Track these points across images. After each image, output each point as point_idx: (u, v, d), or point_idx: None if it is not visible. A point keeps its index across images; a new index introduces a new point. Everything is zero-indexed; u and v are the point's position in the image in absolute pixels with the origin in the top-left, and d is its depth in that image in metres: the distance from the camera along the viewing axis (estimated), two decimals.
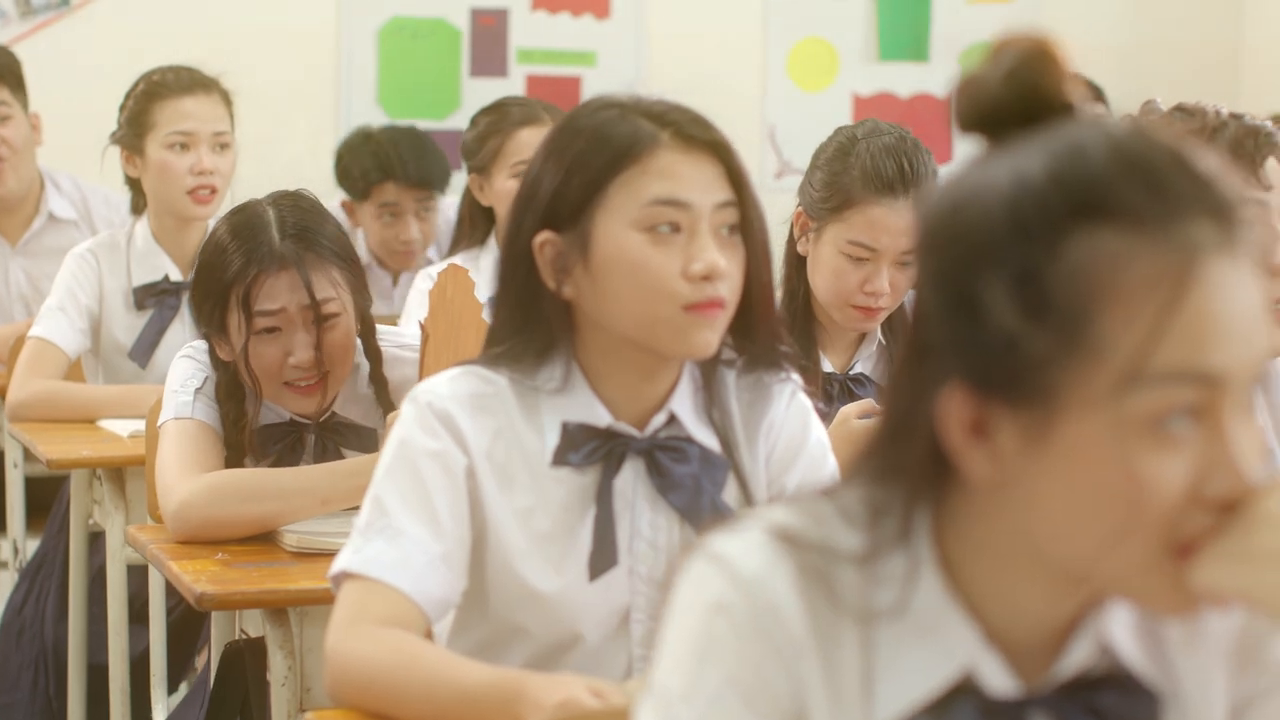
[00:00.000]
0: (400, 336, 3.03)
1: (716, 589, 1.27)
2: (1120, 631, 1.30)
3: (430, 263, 4.90)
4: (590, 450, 2.05)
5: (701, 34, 6.35)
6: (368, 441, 2.90)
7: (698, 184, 2.01)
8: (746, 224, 2.04)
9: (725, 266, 2.00)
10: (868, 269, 2.88)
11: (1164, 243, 1.18)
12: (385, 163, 4.91)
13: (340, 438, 2.92)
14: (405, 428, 2.04)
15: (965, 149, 1.27)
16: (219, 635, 2.84)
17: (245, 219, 2.88)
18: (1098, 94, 5.20)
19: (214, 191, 4.02)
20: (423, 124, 5.73)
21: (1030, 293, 1.18)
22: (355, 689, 1.94)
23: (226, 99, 4.11)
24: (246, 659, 2.67)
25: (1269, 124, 2.32)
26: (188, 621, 3.56)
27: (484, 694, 1.88)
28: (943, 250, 1.23)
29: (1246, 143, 2.28)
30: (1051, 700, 1.28)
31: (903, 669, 1.27)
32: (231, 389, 2.85)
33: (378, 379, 2.95)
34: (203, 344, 2.90)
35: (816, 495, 1.32)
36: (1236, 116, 2.29)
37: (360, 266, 2.94)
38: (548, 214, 2.03)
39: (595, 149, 2.01)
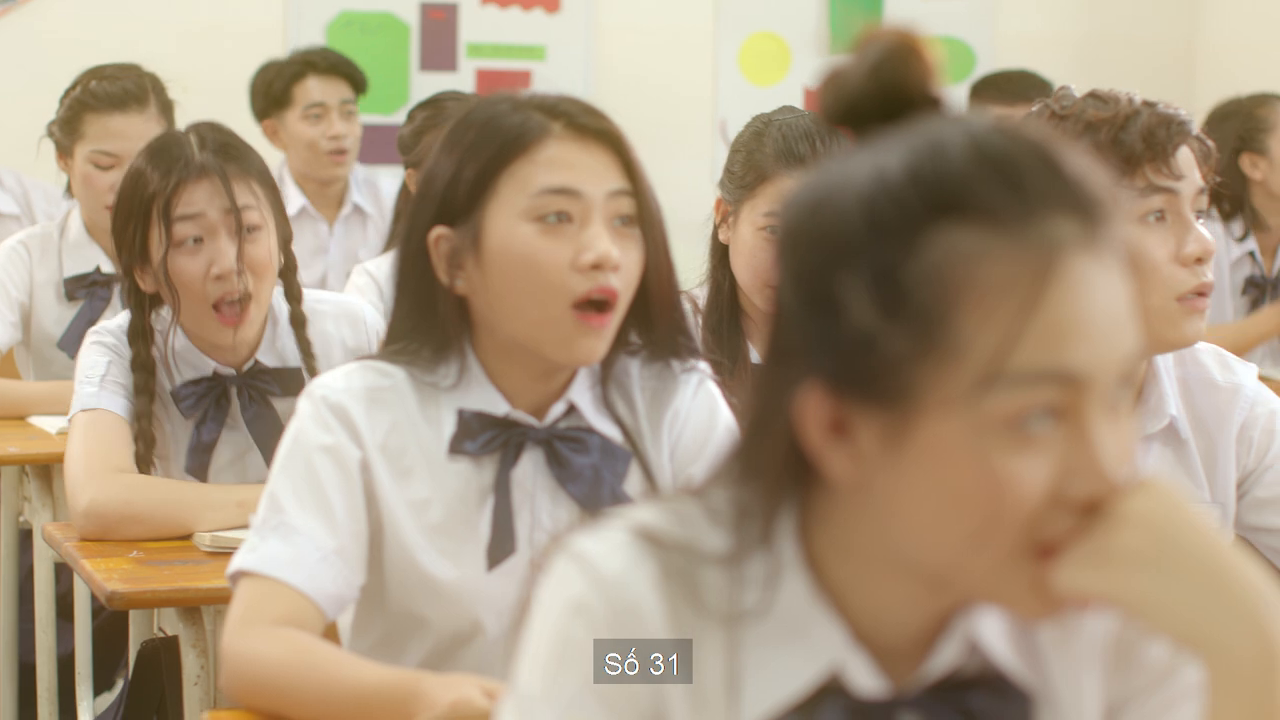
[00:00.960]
0: (318, 293, 3.04)
1: (577, 589, 1.25)
2: (991, 632, 1.28)
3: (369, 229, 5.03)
4: (488, 439, 2.05)
5: (652, 28, 6.34)
6: (294, 384, 2.90)
7: (589, 173, 2.00)
8: (642, 215, 2.03)
9: (618, 257, 1.99)
10: None
11: (1022, 240, 1.16)
12: (302, 60, 5.14)
13: (267, 386, 2.93)
14: (299, 423, 2.04)
15: None
16: (137, 634, 2.83)
17: (161, 143, 2.90)
18: (1045, 89, 5.19)
19: None
20: (371, 118, 5.72)
21: (887, 291, 1.16)
22: (251, 689, 1.93)
23: (165, 109, 4.09)
24: (163, 658, 2.65)
25: (1182, 112, 2.29)
26: (121, 619, 3.53)
27: (379, 693, 1.87)
28: (801, 247, 1.21)
29: (1159, 132, 2.25)
30: (921, 701, 1.26)
31: (769, 670, 1.25)
32: (143, 331, 2.86)
33: (298, 318, 2.95)
34: (110, 323, 2.90)
35: (683, 494, 1.30)
36: (1150, 104, 2.26)
37: (279, 193, 2.95)
38: (442, 208, 2.02)
39: (485, 141, 2.00)
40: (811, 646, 1.25)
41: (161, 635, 2.73)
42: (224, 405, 2.91)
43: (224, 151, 2.85)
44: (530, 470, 2.07)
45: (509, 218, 1.99)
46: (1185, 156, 2.28)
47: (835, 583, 1.25)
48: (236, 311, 2.84)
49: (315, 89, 5.09)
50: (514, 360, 2.05)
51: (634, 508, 1.30)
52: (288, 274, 2.94)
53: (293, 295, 2.96)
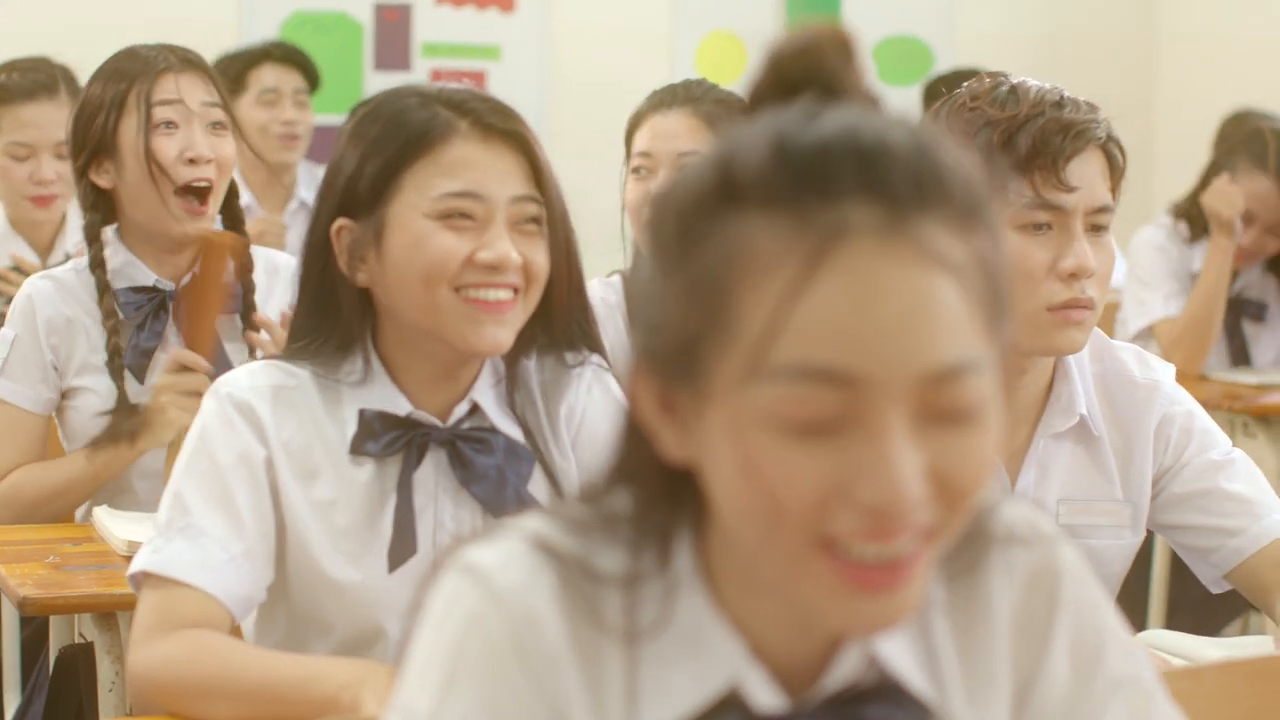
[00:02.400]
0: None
1: (472, 602, 1.20)
2: (890, 643, 1.24)
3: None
4: (390, 440, 2.03)
5: (608, 27, 6.32)
6: (227, 303, 3.01)
7: (493, 175, 1.99)
8: (549, 218, 2.02)
9: (517, 259, 1.99)
10: (649, 181, 3.22)
11: (805, 221, 1.08)
12: (259, 50, 5.23)
13: None
14: (205, 420, 2.02)
15: None
16: (56, 639, 2.79)
17: (129, 51, 3.03)
18: None
19: (56, 196, 4.10)
20: (325, 118, 5.70)
21: (682, 271, 1.13)
22: (163, 693, 1.91)
23: (76, 96, 4.09)
24: (80, 664, 2.62)
25: (1098, 117, 2.21)
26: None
27: (293, 684, 1.85)
28: (648, 237, 1.19)
29: (1054, 140, 2.16)
30: (818, 714, 1.21)
31: (667, 686, 1.20)
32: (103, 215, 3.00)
33: (240, 233, 3.07)
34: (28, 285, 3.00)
35: (577, 501, 1.26)
36: (1060, 106, 2.18)
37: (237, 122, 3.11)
38: (345, 200, 2.01)
39: (390, 135, 1.99)
40: (710, 662, 1.20)
41: (82, 641, 2.70)
42: (162, 318, 3.01)
43: (199, 59, 3.05)
44: (433, 471, 2.05)
45: (412, 215, 1.98)
46: (1084, 168, 2.20)
47: (732, 597, 1.21)
48: (196, 203, 2.97)
49: (269, 75, 5.16)
50: (418, 355, 2.03)
51: (527, 517, 1.25)
52: (231, 199, 3.06)
53: (235, 219, 3.08)
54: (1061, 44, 6.87)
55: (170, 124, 2.96)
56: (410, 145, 1.98)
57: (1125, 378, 2.35)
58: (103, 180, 2.97)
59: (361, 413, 2.02)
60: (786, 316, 1.08)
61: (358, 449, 2.03)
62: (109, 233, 3.03)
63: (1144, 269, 4.79)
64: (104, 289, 2.97)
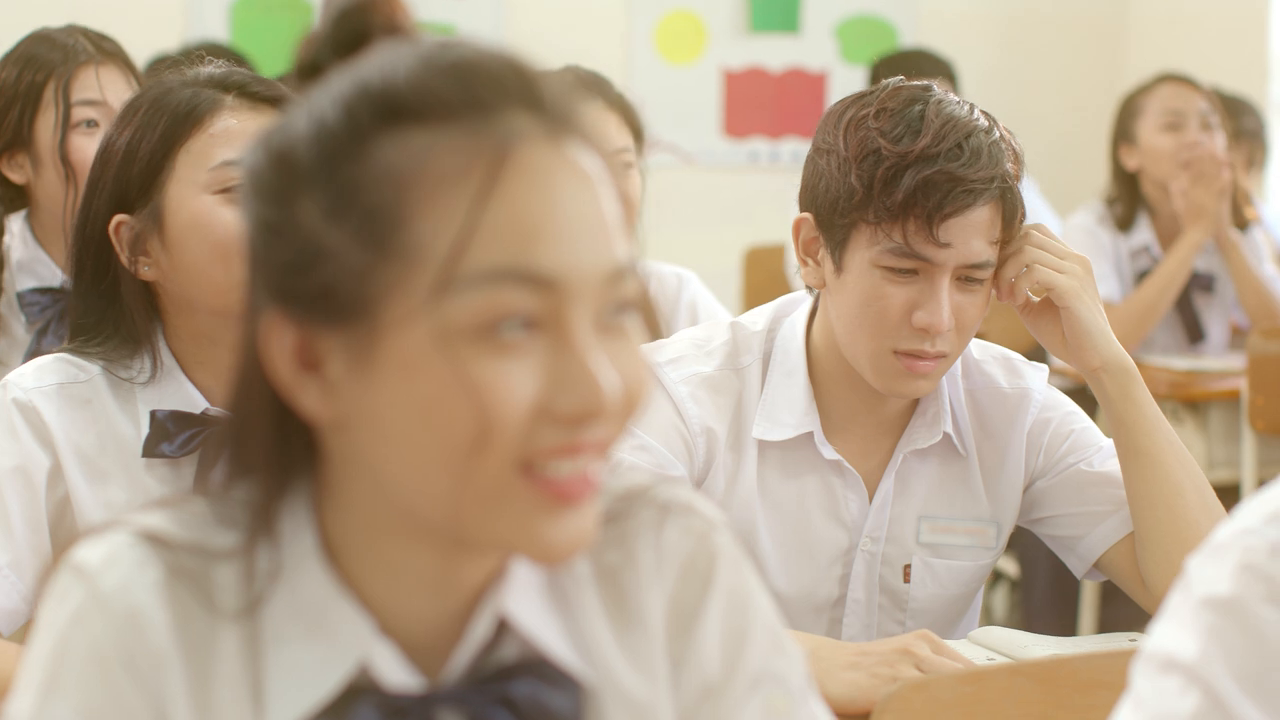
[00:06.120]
0: None
1: (75, 602, 1.16)
2: (529, 615, 1.21)
3: None
4: (186, 439, 1.98)
5: (565, 7, 6.26)
6: None
7: None
8: None
9: None
10: None
11: (475, 133, 1.10)
12: (170, 61, 5.01)
13: None
14: None
15: None
16: None
17: (43, 35, 2.95)
18: (944, 68, 5.11)
19: None
20: None
21: (338, 203, 1.11)
22: None
23: None
24: None
25: (996, 174, 2.05)
26: None
27: None
28: (256, 184, 1.15)
29: (935, 193, 2.03)
30: (460, 693, 1.18)
31: (294, 671, 1.17)
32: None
33: None
34: None
35: (190, 494, 1.23)
36: (958, 151, 2.04)
37: None
38: (118, 196, 1.97)
39: (155, 120, 1.96)
40: (337, 642, 1.17)
41: None
42: (67, 321, 2.90)
43: (117, 48, 2.96)
44: None
45: (190, 193, 1.95)
46: (964, 224, 2.06)
47: (357, 572, 1.19)
48: None
49: None
50: (215, 346, 1.99)
51: (142, 512, 1.22)
52: None
53: None
54: (1029, 23, 6.80)
55: (92, 122, 2.90)
56: (178, 122, 1.95)
57: (993, 391, 2.29)
58: (16, 175, 2.91)
59: (152, 415, 1.97)
60: (475, 223, 1.09)
61: (151, 451, 1.97)
62: (16, 223, 2.96)
63: None
64: None
